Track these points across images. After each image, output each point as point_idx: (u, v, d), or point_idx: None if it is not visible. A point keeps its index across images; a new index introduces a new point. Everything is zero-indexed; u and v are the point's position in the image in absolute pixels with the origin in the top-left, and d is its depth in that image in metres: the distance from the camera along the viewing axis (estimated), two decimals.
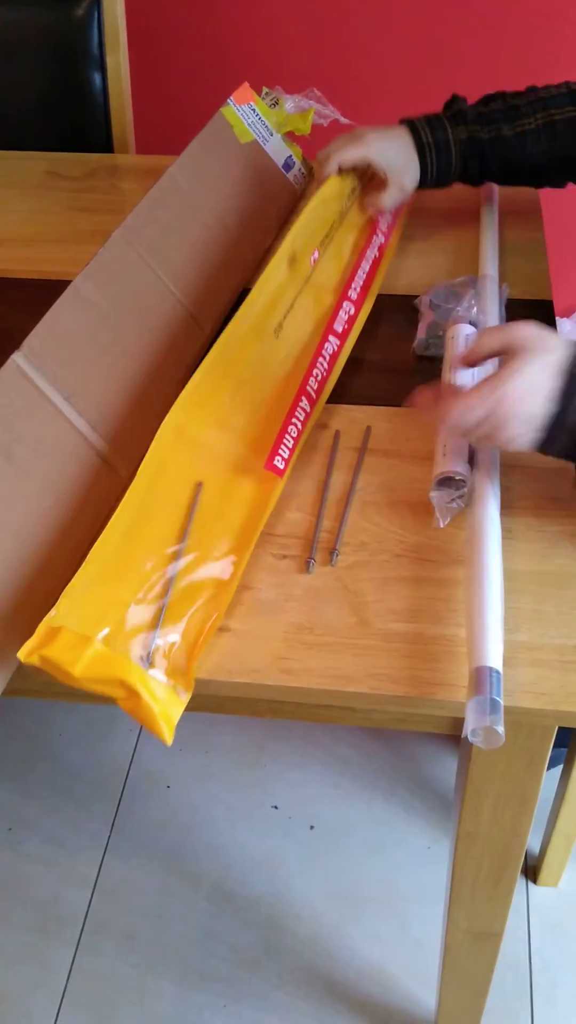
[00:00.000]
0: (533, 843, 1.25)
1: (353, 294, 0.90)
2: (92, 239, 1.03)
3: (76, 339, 0.74)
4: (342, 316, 0.87)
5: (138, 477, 0.67)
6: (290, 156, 1.08)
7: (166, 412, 0.77)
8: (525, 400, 0.61)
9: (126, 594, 0.62)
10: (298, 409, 0.77)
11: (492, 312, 0.86)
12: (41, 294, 0.75)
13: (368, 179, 1.00)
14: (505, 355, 0.63)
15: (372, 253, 0.95)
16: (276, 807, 1.33)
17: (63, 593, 0.60)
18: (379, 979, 1.16)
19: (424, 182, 0.96)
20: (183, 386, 0.74)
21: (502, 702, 0.54)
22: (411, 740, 1.40)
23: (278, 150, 1.06)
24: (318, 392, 0.80)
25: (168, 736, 0.59)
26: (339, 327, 0.86)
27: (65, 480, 0.68)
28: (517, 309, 0.90)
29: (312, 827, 1.31)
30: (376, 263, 0.95)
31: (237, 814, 1.33)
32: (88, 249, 0.80)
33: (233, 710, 0.67)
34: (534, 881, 1.24)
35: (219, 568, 0.65)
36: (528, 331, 0.63)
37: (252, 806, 1.33)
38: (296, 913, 1.22)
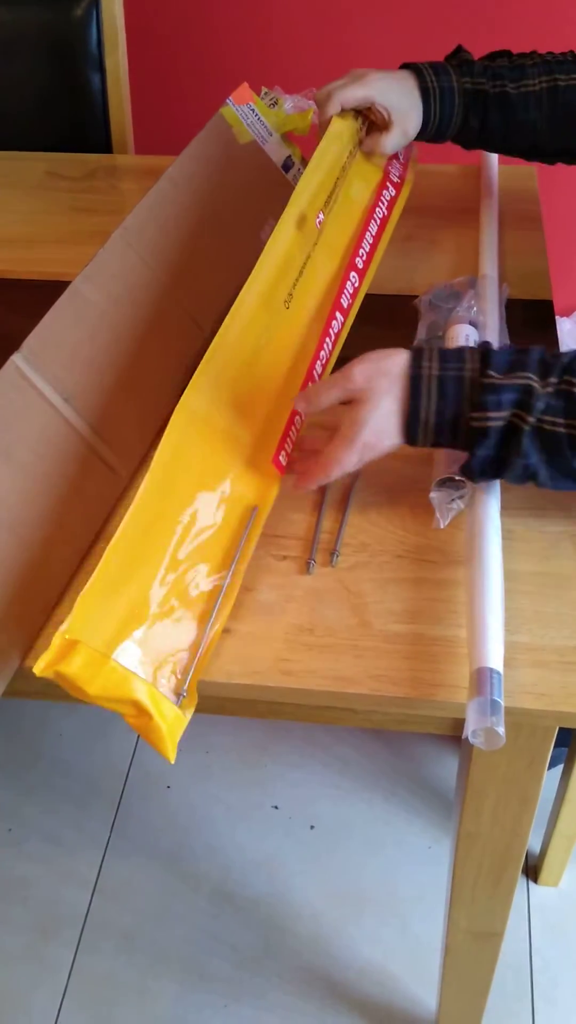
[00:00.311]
0: (534, 843, 1.25)
1: (360, 262, 0.88)
2: (91, 240, 1.03)
3: (75, 340, 0.74)
4: (348, 289, 0.86)
5: (151, 472, 0.65)
6: (289, 156, 1.08)
7: (165, 413, 0.77)
8: (383, 435, 0.64)
9: (141, 607, 0.61)
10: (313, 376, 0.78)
11: (492, 312, 0.86)
12: (40, 295, 0.75)
13: (367, 123, 0.96)
14: (350, 401, 0.65)
15: (381, 211, 0.93)
16: (276, 807, 1.33)
17: (77, 602, 0.59)
18: (380, 979, 1.16)
19: (424, 131, 0.92)
20: (183, 387, 0.74)
21: (503, 703, 0.54)
22: (412, 740, 1.40)
23: (277, 150, 1.06)
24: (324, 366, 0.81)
25: (172, 754, 0.60)
26: (344, 301, 0.85)
27: (64, 481, 0.68)
28: (517, 309, 0.90)
29: (312, 827, 1.31)
30: (384, 221, 0.93)
31: (237, 814, 1.33)
32: (87, 250, 0.80)
33: (233, 711, 0.67)
34: (535, 881, 1.24)
35: (220, 577, 0.65)
36: (362, 372, 0.64)
37: (252, 806, 1.33)
38: (296, 913, 1.22)
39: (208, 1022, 1.13)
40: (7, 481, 0.65)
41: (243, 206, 0.99)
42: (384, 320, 0.90)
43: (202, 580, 0.64)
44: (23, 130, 1.30)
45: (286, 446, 0.73)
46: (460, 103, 0.90)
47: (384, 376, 0.63)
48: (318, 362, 0.80)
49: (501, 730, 0.53)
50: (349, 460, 0.65)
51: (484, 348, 0.64)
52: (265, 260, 0.80)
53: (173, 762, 0.59)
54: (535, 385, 0.61)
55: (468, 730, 0.54)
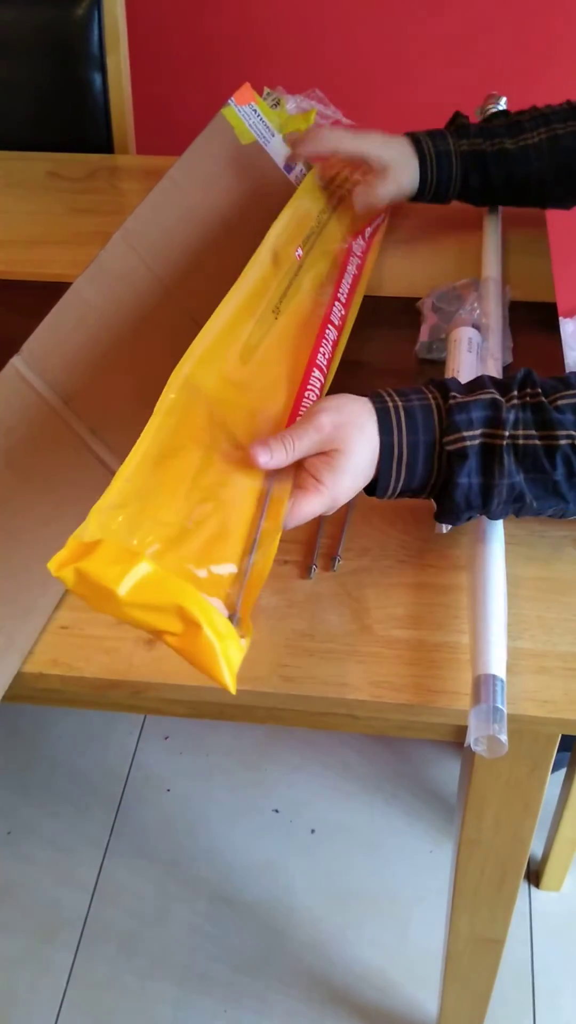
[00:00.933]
0: (536, 847, 1.25)
1: (343, 296, 0.85)
2: (93, 240, 1.02)
3: (76, 342, 0.74)
4: (336, 311, 0.83)
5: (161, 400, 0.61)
6: (288, 155, 1.07)
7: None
8: (358, 484, 0.61)
9: (171, 516, 0.54)
10: (311, 379, 0.72)
11: (495, 314, 0.85)
12: (41, 296, 0.75)
13: (363, 174, 0.97)
14: (324, 453, 0.60)
15: (349, 276, 0.89)
16: (277, 811, 1.33)
17: (92, 511, 0.52)
18: (380, 984, 1.16)
19: (423, 192, 0.95)
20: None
21: (505, 710, 0.54)
22: (413, 743, 1.40)
23: (279, 151, 1.05)
24: (327, 367, 0.75)
25: (232, 682, 0.49)
26: (336, 319, 0.82)
27: (65, 484, 0.68)
28: (520, 311, 0.90)
29: (313, 831, 1.30)
30: (355, 281, 0.90)
31: (237, 817, 1.32)
32: (88, 251, 0.80)
33: (233, 717, 0.67)
34: (537, 885, 1.24)
35: (260, 492, 0.60)
36: (331, 420, 0.60)
37: (252, 810, 1.33)
38: (296, 917, 1.22)
39: None
40: (6, 484, 0.64)
41: (245, 207, 0.99)
42: (387, 323, 0.90)
43: (241, 493, 0.58)
44: (24, 130, 1.30)
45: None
46: (458, 165, 0.93)
47: (353, 425, 0.60)
48: (310, 386, 0.73)
49: (504, 737, 0.53)
50: (316, 511, 0.60)
51: (437, 380, 0.63)
52: (240, 284, 0.76)
53: (234, 692, 0.49)
54: (499, 399, 0.60)
55: (470, 738, 0.53)
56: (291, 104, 1.06)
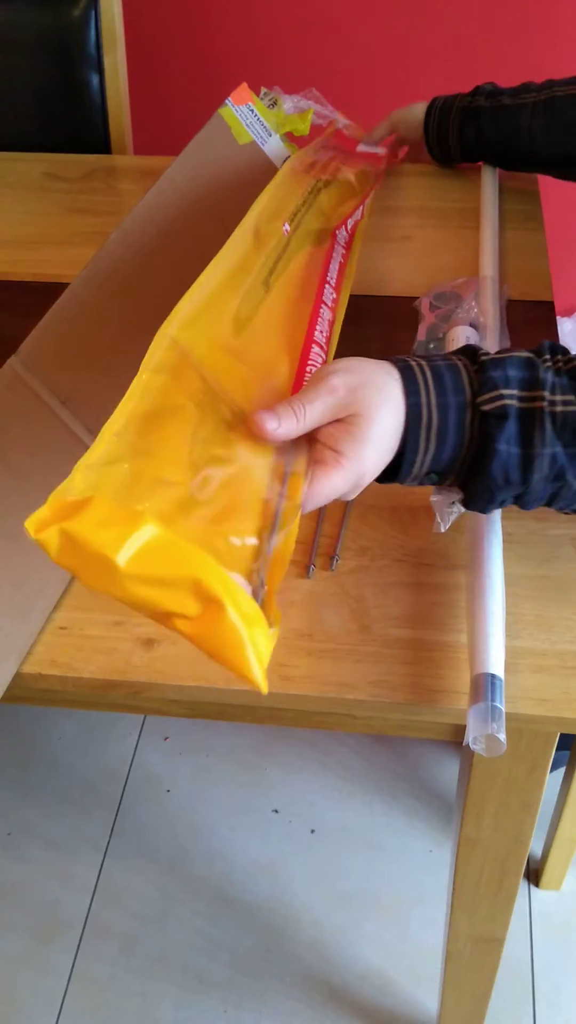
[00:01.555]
0: (535, 846, 1.25)
1: (331, 280, 0.81)
2: (90, 241, 1.02)
3: (73, 342, 0.74)
4: (328, 293, 0.77)
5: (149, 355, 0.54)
6: (289, 157, 1.07)
7: None
8: (384, 457, 0.53)
9: (175, 475, 0.46)
10: (312, 355, 0.64)
11: (492, 313, 0.85)
12: (38, 297, 0.75)
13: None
14: (340, 420, 0.52)
15: (336, 263, 0.86)
16: (276, 811, 1.33)
17: (76, 467, 0.44)
18: (380, 984, 1.16)
19: (429, 143, 1.06)
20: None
21: (504, 709, 0.54)
22: (412, 743, 1.40)
23: (277, 151, 1.05)
24: (327, 344, 0.68)
25: (261, 676, 0.41)
26: (328, 301, 0.76)
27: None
28: (518, 309, 0.90)
29: (313, 831, 1.30)
30: (342, 269, 0.86)
31: (237, 818, 1.32)
32: (86, 251, 0.80)
33: (233, 717, 0.67)
34: (536, 885, 1.24)
35: (278, 461, 0.51)
36: (344, 383, 0.52)
37: (252, 810, 1.33)
38: (296, 917, 1.22)
39: None
40: (4, 483, 0.64)
41: (242, 207, 0.99)
42: (384, 322, 0.90)
43: (251, 466, 0.50)
44: (21, 131, 1.30)
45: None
46: (456, 116, 1.02)
47: (371, 386, 0.52)
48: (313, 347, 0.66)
49: (502, 736, 0.53)
50: (340, 489, 0.52)
51: (462, 347, 0.57)
52: (218, 260, 0.69)
53: (265, 691, 0.40)
54: (534, 358, 0.54)
55: (469, 737, 0.53)
56: (288, 104, 1.06)
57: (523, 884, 1.24)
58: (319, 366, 0.62)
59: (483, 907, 0.80)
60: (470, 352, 0.55)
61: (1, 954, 1.19)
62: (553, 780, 0.90)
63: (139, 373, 0.52)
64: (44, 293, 0.75)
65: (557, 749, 0.66)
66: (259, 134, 1.03)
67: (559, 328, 0.90)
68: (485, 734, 0.53)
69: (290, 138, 1.08)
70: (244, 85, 1.03)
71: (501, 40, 1.52)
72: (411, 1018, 1.13)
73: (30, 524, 0.41)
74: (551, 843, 1.17)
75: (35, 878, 1.26)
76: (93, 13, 1.23)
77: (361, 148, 1.10)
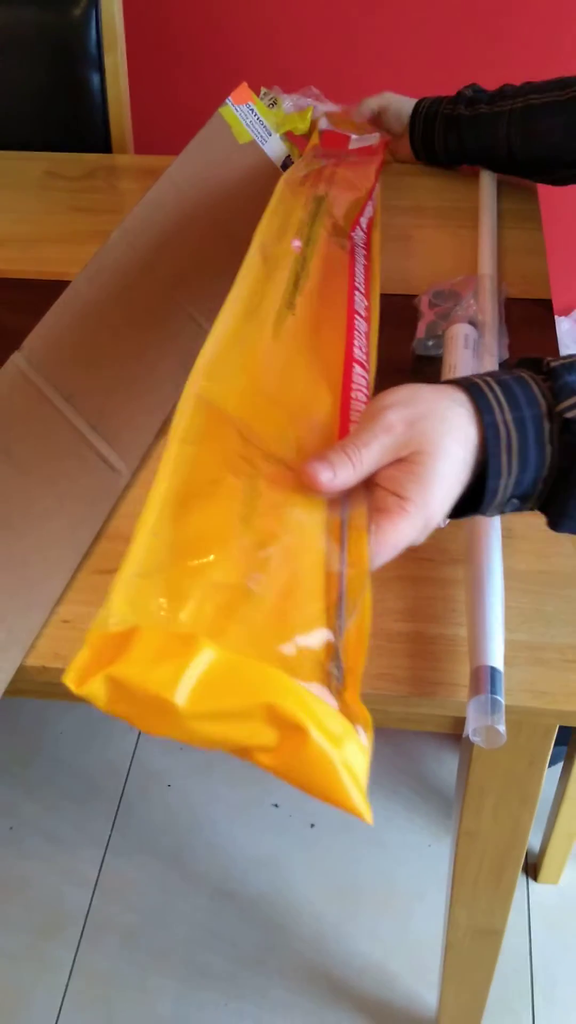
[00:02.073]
0: (533, 841, 1.26)
1: (360, 285, 0.79)
2: (91, 239, 1.03)
3: (76, 339, 0.74)
4: (359, 301, 0.74)
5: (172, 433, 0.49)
6: (289, 156, 1.08)
7: (167, 411, 0.77)
8: (454, 491, 0.48)
9: (225, 574, 0.41)
10: (355, 376, 0.61)
11: (491, 311, 0.86)
12: (40, 294, 0.76)
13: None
14: (401, 460, 0.47)
15: (360, 265, 0.84)
16: (276, 805, 1.33)
17: (115, 583, 0.40)
18: (380, 977, 1.16)
19: (414, 147, 1.09)
20: (182, 385, 0.73)
21: (503, 701, 0.54)
22: (412, 738, 1.40)
23: (277, 150, 1.06)
24: (367, 361, 0.64)
25: (362, 802, 0.36)
26: (361, 310, 0.74)
27: (65, 479, 0.68)
28: (516, 308, 0.90)
29: (312, 825, 1.31)
30: (368, 271, 0.84)
31: (238, 812, 1.33)
32: (87, 249, 0.81)
33: None
34: (535, 879, 1.25)
35: (332, 517, 0.47)
36: (401, 417, 0.47)
37: (252, 804, 1.33)
38: (297, 911, 1.23)
39: (209, 1020, 1.13)
40: (8, 478, 0.65)
41: (242, 206, 0.99)
42: (383, 320, 0.90)
43: (306, 529, 0.44)
44: (22, 130, 1.30)
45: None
46: (440, 124, 1.04)
47: (433, 417, 0.47)
48: (356, 347, 0.63)
49: (502, 728, 0.53)
50: (409, 538, 0.47)
51: (518, 360, 0.53)
52: (234, 293, 0.67)
53: (371, 821, 0.36)
54: None
55: (469, 729, 0.54)
56: (288, 103, 1.06)
57: (521, 878, 1.25)
58: (364, 388, 0.58)
59: (482, 899, 0.80)
60: (530, 363, 0.51)
61: (3, 948, 1.20)
62: (551, 775, 0.91)
63: (168, 443, 0.48)
64: (46, 291, 0.75)
65: (555, 744, 0.66)
66: (259, 133, 1.04)
67: (557, 327, 0.91)
68: (485, 726, 0.54)
69: (290, 137, 1.08)
70: (244, 85, 1.03)
71: (502, 36, 1.52)
72: (411, 1011, 1.14)
73: (71, 677, 0.36)
74: (549, 837, 1.18)
75: (37, 873, 1.27)
76: (94, 13, 1.24)
77: (353, 144, 1.09)
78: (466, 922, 0.84)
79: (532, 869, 1.25)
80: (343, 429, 0.53)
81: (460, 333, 0.82)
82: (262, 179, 1.03)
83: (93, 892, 1.25)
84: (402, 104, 1.08)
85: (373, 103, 1.09)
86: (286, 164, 1.07)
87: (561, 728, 0.64)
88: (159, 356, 0.81)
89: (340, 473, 0.46)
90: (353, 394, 0.58)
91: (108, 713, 0.36)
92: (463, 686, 0.59)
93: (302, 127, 1.07)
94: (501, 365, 0.82)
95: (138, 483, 0.73)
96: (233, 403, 0.53)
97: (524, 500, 0.50)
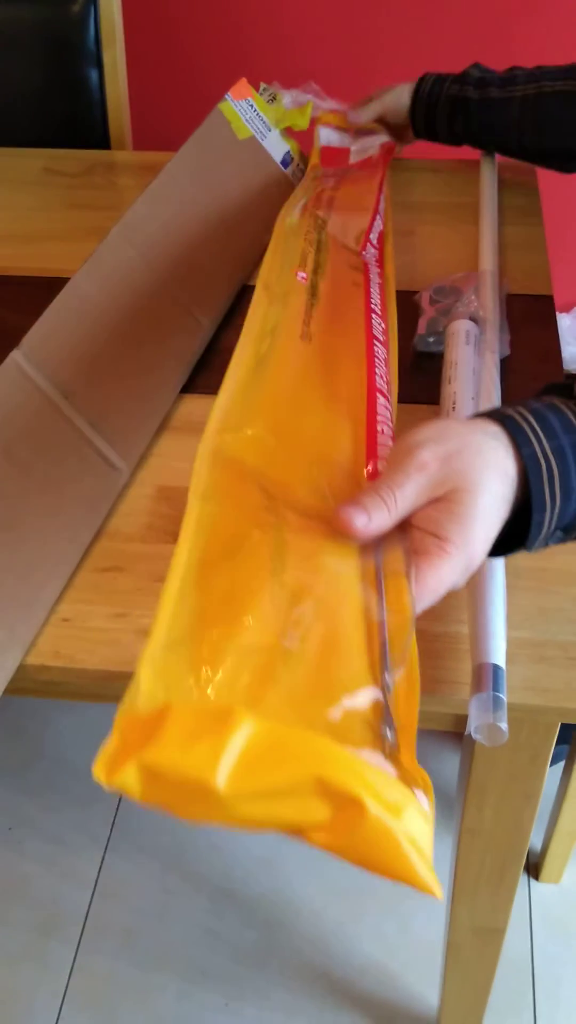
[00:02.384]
0: (535, 840, 1.25)
1: (376, 307, 0.78)
2: (90, 236, 1.02)
3: (75, 337, 0.74)
4: (376, 325, 0.73)
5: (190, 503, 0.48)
6: (288, 152, 1.07)
7: (166, 409, 0.76)
8: (493, 528, 0.46)
9: (259, 637, 0.39)
10: (379, 407, 0.59)
11: (492, 307, 0.85)
12: (39, 291, 0.75)
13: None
14: (438, 499, 0.46)
15: (375, 284, 0.83)
16: None
17: (142, 659, 0.38)
18: (381, 976, 1.16)
19: (416, 128, 1.05)
20: (182, 382, 0.73)
21: (505, 699, 0.54)
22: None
23: (276, 146, 1.06)
24: (389, 390, 0.63)
25: (430, 877, 0.33)
26: (379, 334, 0.72)
27: (65, 478, 0.68)
28: (517, 304, 0.90)
29: None
30: (383, 290, 0.84)
31: None
32: (86, 246, 0.80)
33: None
34: (536, 878, 1.24)
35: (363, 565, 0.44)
36: (435, 454, 0.45)
37: None
38: (297, 911, 1.22)
39: (210, 1020, 1.13)
40: (7, 477, 0.65)
41: (242, 202, 0.99)
42: None
43: (342, 578, 0.42)
44: (20, 126, 1.30)
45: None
46: (444, 106, 1.00)
47: (468, 452, 0.45)
48: (377, 376, 0.61)
49: (504, 726, 0.53)
50: (451, 581, 0.45)
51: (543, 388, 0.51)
52: (245, 336, 0.66)
53: (440, 896, 0.33)
54: None
55: (471, 726, 0.54)
56: (287, 99, 1.06)
57: (523, 877, 1.25)
58: (389, 421, 0.56)
59: (484, 897, 0.80)
60: (557, 389, 0.50)
61: (3, 948, 1.20)
62: (552, 774, 0.90)
63: (188, 503, 0.46)
64: (45, 288, 0.75)
65: (557, 743, 0.66)
66: (258, 129, 1.03)
67: (558, 324, 0.90)
68: (487, 723, 0.53)
69: (289, 133, 1.08)
70: (243, 80, 1.03)
71: (503, 31, 1.52)
72: (412, 1010, 1.13)
73: (100, 768, 0.33)
74: (551, 837, 1.17)
75: (36, 872, 1.26)
76: (92, 9, 1.24)
77: (353, 156, 1.07)
78: (468, 921, 0.84)
79: (534, 868, 1.25)
80: (370, 466, 0.51)
81: (461, 329, 0.81)
82: (261, 175, 1.03)
83: (93, 892, 1.25)
84: (399, 98, 1.04)
85: (369, 110, 1.06)
86: (285, 160, 1.07)
87: (562, 726, 0.64)
88: (159, 353, 0.80)
89: (375, 517, 0.44)
90: (379, 427, 0.55)
91: (145, 803, 0.33)
92: (465, 683, 0.59)
93: (301, 123, 1.07)
94: (503, 362, 0.82)
95: (138, 481, 0.73)
96: (252, 455, 0.52)
97: (568, 531, 0.49)
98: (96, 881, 1.26)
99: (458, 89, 0.99)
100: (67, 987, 1.16)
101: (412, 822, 0.33)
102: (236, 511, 0.46)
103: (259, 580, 0.41)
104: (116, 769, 0.32)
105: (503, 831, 0.73)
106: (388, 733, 0.35)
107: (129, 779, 0.32)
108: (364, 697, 0.37)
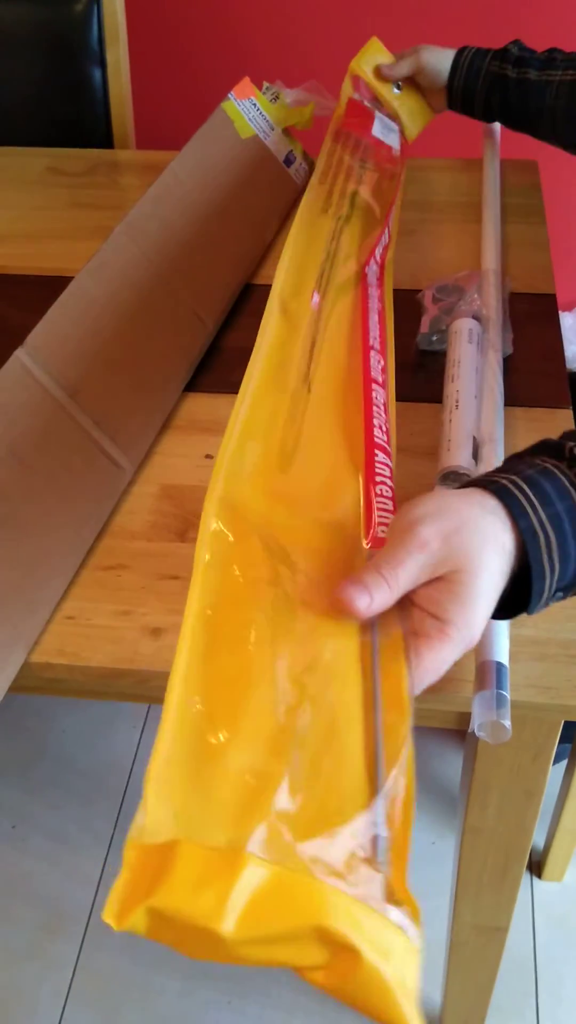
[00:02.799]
0: (538, 838, 1.25)
1: (375, 342, 0.78)
2: (93, 235, 1.03)
3: (79, 335, 0.74)
4: (375, 363, 0.75)
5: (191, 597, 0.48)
6: (291, 151, 1.07)
7: (170, 408, 0.76)
8: (491, 608, 0.47)
9: (267, 753, 0.39)
10: (377, 464, 0.60)
11: (495, 306, 0.86)
12: (43, 291, 0.75)
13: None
14: (439, 579, 0.46)
15: (374, 312, 0.83)
16: None
17: (147, 781, 0.38)
18: None
19: (452, 99, 1.02)
20: (185, 381, 0.73)
21: (509, 696, 0.54)
22: (416, 734, 1.40)
23: (279, 145, 1.06)
24: (388, 442, 0.65)
25: (415, 1017, 0.34)
26: (377, 375, 0.73)
27: (68, 476, 0.68)
28: (520, 303, 0.90)
29: None
30: (382, 318, 0.84)
31: None
32: (90, 245, 0.80)
33: None
34: (539, 876, 1.24)
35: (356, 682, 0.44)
36: (435, 531, 0.45)
37: None
38: None
39: (212, 1018, 1.13)
40: (11, 475, 0.65)
41: (245, 201, 0.99)
42: None
43: (340, 666, 0.43)
44: (24, 126, 1.30)
45: (381, 518, 0.55)
46: (484, 82, 0.98)
47: (467, 530, 0.45)
48: (376, 428, 0.62)
49: (507, 723, 0.53)
50: (450, 661, 0.46)
51: (533, 447, 0.51)
52: (257, 355, 0.68)
53: None
54: None
55: (474, 723, 0.54)
56: (290, 98, 1.06)
57: (526, 876, 1.25)
58: (388, 479, 0.57)
59: (487, 895, 0.80)
60: (549, 448, 0.50)
61: (7, 946, 1.20)
62: (555, 772, 0.90)
63: (194, 565, 0.46)
64: (49, 287, 0.75)
65: (560, 742, 0.66)
66: (261, 128, 1.04)
67: (561, 323, 0.90)
68: (490, 721, 0.53)
69: (292, 132, 1.08)
70: (246, 79, 1.03)
71: (502, 28, 1.52)
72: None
73: (111, 912, 0.34)
74: (553, 835, 1.18)
75: (40, 871, 1.27)
76: (95, 8, 1.24)
77: (375, 132, 1.04)
78: (470, 919, 0.84)
79: (536, 867, 1.25)
80: (369, 527, 0.53)
81: (464, 328, 0.81)
82: (264, 174, 1.03)
83: (96, 890, 1.25)
84: (440, 59, 1.01)
85: (407, 65, 1.02)
86: (288, 159, 1.07)
87: (565, 725, 0.64)
88: (163, 352, 0.81)
89: (377, 597, 0.44)
90: (377, 487, 0.57)
91: (151, 939, 0.35)
92: (468, 681, 0.59)
93: (304, 122, 1.07)
94: (505, 360, 0.82)
95: (142, 479, 0.73)
96: (254, 509, 0.53)
97: (567, 590, 0.49)
98: (100, 879, 1.26)
99: (498, 66, 0.97)
100: (70, 985, 1.17)
101: (401, 961, 0.34)
102: (238, 580, 0.47)
103: (265, 678, 0.42)
104: (126, 914, 0.33)
105: (506, 829, 0.73)
106: (382, 861, 0.37)
107: (138, 923, 0.34)
108: (361, 826, 0.38)
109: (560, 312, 1.71)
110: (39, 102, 1.30)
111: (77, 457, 0.69)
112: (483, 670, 0.55)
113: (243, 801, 0.37)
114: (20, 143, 1.23)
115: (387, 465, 0.61)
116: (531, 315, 0.89)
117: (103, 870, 1.27)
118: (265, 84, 1.05)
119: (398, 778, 0.40)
